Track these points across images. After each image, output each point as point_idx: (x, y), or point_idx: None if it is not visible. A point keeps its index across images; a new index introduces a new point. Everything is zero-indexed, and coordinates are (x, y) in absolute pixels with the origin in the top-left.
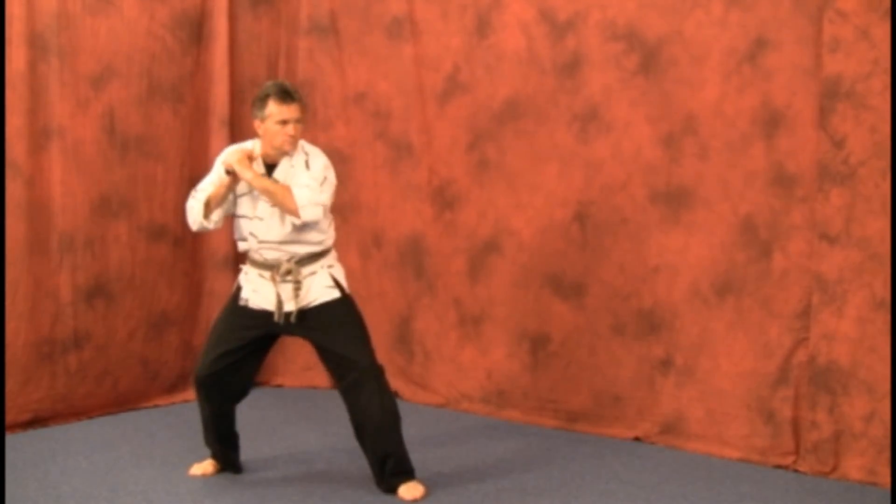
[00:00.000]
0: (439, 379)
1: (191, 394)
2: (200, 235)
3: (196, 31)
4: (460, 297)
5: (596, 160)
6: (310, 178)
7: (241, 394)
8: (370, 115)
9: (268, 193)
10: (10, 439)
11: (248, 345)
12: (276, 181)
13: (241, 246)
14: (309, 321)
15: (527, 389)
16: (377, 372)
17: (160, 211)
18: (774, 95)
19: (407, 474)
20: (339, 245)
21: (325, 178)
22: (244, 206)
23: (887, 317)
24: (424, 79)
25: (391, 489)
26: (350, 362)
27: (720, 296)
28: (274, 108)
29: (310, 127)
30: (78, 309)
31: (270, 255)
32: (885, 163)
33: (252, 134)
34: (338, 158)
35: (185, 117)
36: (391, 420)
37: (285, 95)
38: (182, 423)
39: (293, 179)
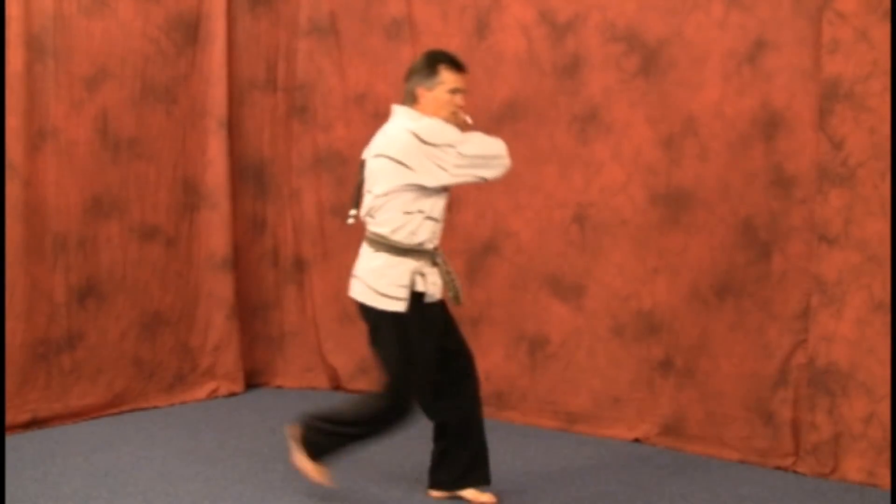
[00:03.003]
0: None
1: (189, 395)
2: (195, 236)
3: (192, 32)
4: None
5: (595, 161)
6: None
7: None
8: (370, 117)
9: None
10: (10, 440)
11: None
12: None
13: (411, 240)
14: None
15: (526, 391)
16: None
17: (152, 212)
18: (774, 97)
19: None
20: (339, 246)
21: None
22: (438, 208)
23: (886, 318)
24: None
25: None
26: (465, 359)
27: (719, 297)
28: (447, 76)
29: (310, 128)
30: (71, 309)
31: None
32: (885, 164)
33: (251, 134)
34: (338, 160)
35: (179, 119)
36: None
37: (458, 64)
38: (181, 425)
39: None
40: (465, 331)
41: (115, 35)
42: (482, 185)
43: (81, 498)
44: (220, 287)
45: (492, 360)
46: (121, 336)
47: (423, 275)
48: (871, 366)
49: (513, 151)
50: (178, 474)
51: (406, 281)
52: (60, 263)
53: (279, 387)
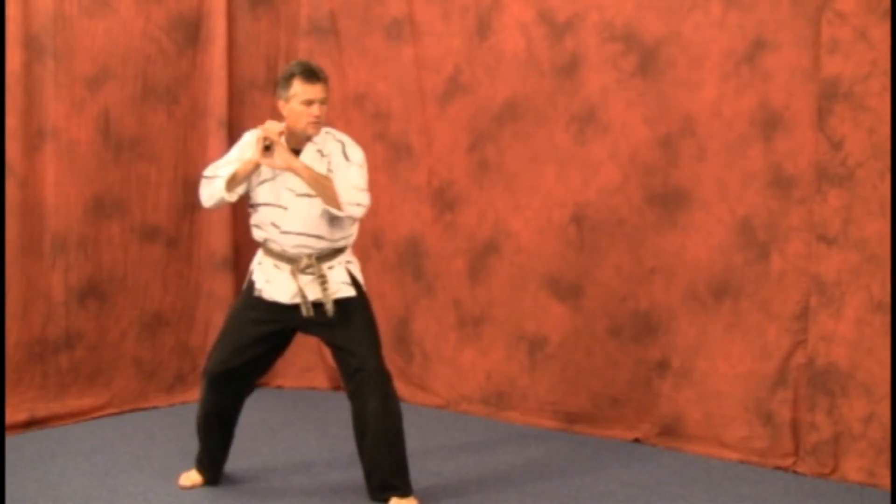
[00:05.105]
0: (439, 380)
1: (190, 395)
2: (196, 236)
3: (193, 32)
4: (460, 299)
5: (593, 161)
6: (357, 175)
7: (250, 390)
8: (370, 117)
9: (315, 184)
10: (10, 440)
11: (263, 340)
12: (321, 173)
13: (259, 235)
14: (322, 316)
15: (526, 391)
16: (384, 377)
17: (153, 212)
18: (773, 97)
19: (401, 490)
20: None
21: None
22: (265, 194)
23: (885, 319)
24: (425, 80)
25: (383, 501)
26: (358, 362)
27: (717, 298)
28: (299, 88)
29: None
30: (70, 309)
31: (291, 246)
32: (884, 164)
33: None
34: None
35: (180, 119)
36: (394, 429)
37: (311, 75)
38: (182, 425)
39: (337, 171)
40: (467, 331)
41: (116, 35)
42: (484, 185)
43: (81, 498)
44: (220, 287)
45: (493, 360)
46: (121, 336)
47: (260, 263)
48: (870, 366)
49: (512, 151)
50: (177, 474)
51: (252, 266)
52: (59, 263)
53: (279, 387)
